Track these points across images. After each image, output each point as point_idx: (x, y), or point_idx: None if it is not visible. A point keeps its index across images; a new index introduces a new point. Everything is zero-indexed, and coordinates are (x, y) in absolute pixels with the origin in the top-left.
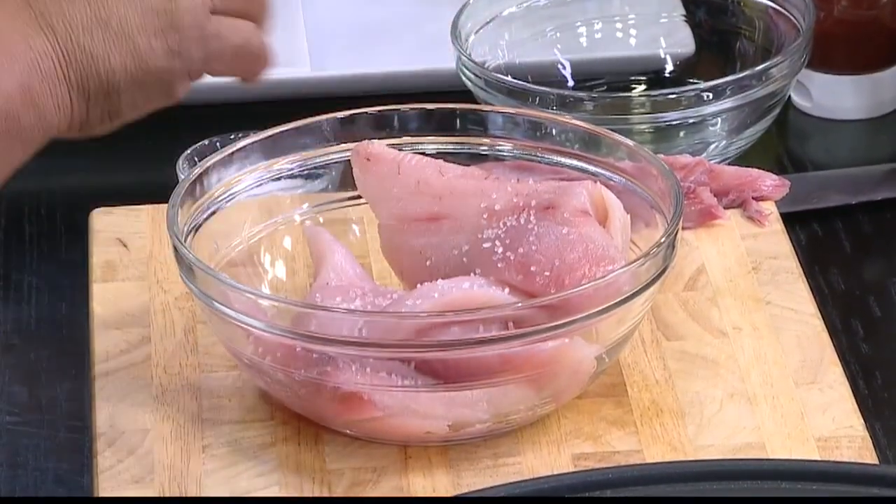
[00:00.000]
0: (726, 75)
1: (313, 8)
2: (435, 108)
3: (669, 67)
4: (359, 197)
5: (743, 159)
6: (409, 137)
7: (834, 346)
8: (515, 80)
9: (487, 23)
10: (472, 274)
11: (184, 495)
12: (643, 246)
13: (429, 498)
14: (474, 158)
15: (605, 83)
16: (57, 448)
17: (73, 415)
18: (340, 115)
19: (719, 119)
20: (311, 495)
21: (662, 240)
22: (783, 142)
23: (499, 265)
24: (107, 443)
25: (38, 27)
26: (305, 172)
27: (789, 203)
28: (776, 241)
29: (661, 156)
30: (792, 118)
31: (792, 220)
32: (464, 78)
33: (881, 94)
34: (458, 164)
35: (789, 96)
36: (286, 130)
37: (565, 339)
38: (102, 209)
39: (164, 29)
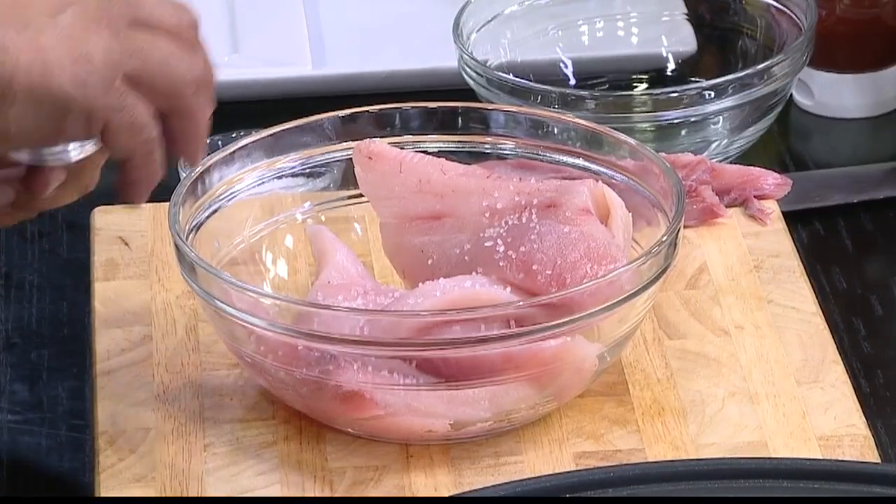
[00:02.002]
0: (728, 74)
1: (315, 6)
2: (437, 106)
3: (671, 66)
4: (360, 195)
5: (745, 158)
6: (410, 136)
7: (836, 344)
8: (517, 79)
9: (489, 21)
10: (473, 273)
11: (185, 494)
12: (645, 244)
13: (430, 498)
14: (476, 157)
15: (606, 81)
16: (58, 446)
17: (75, 413)
18: (342, 113)
19: (721, 117)
20: (312, 494)
21: (664, 238)
22: (785, 140)
23: (500, 264)
24: (108, 441)
25: None
26: (307, 171)
27: (791, 201)
28: (778, 240)
29: (663, 154)
30: (794, 117)
31: (794, 219)
32: (465, 76)
33: (883, 92)
34: (460, 162)
35: (791, 95)
36: (288, 129)
37: (567, 337)
38: (104, 207)
39: (81, 54)
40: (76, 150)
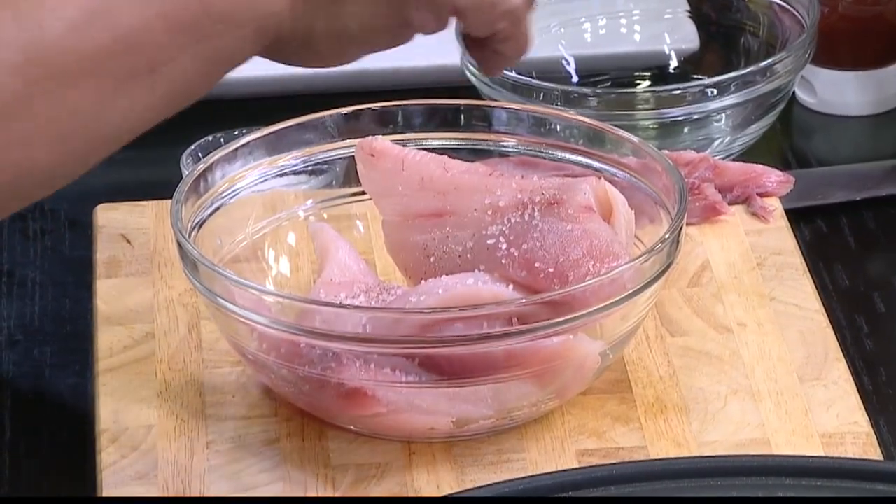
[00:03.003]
0: (730, 71)
1: None
2: (439, 103)
3: (674, 63)
4: (363, 193)
5: (747, 155)
6: (413, 133)
7: (838, 342)
8: (520, 76)
9: None
10: (475, 270)
11: (187, 491)
12: (647, 242)
13: (432, 498)
14: (478, 154)
15: (609, 79)
16: (60, 444)
17: (77, 411)
18: (344, 110)
19: (723, 115)
20: (314, 491)
21: (666, 236)
22: (787, 138)
23: (503, 261)
24: (110, 439)
25: None
26: (309, 168)
27: (794, 199)
28: (780, 237)
29: (666, 152)
30: (796, 114)
31: (796, 216)
32: (468, 74)
33: (885, 89)
34: (463, 160)
35: (794, 92)
36: (290, 126)
37: (569, 335)
38: (106, 205)
39: None
40: None
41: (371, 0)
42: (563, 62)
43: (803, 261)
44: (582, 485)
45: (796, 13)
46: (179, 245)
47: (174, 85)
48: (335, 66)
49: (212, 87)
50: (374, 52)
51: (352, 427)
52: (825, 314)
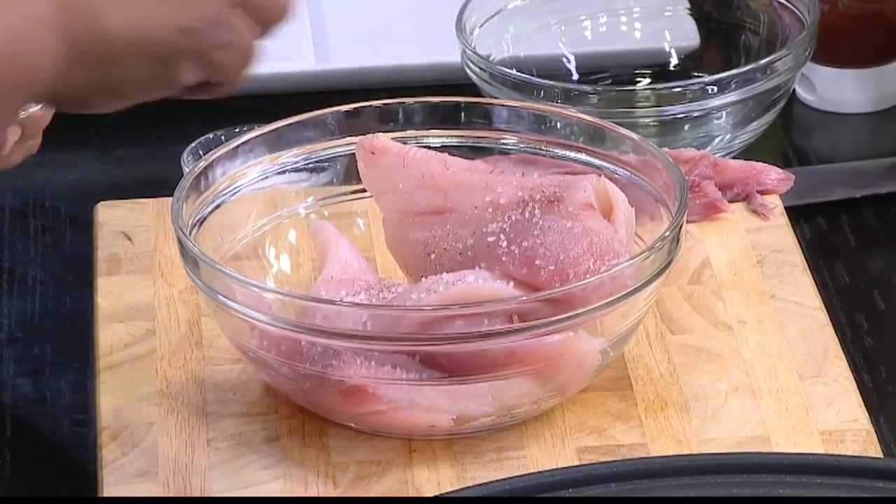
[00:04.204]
0: (731, 69)
1: (318, 1)
2: (440, 101)
3: (674, 61)
4: (363, 190)
5: (747, 153)
6: (413, 131)
7: (838, 339)
8: (520, 74)
9: (492, 16)
10: (476, 268)
11: (188, 489)
12: (648, 239)
13: (429, 497)
14: (479, 152)
15: (609, 76)
16: (61, 441)
17: (78, 408)
18: (345, 108)
19: (724, 112)
20: (315, 489)
21: (667, 233)
22: (788, 135)
23: (503, 259)
24: (111, 436)
25: None
26: (310, 166)
27: (794, 196)
28: (781, 235)
29: (666, 149)
30: (796, 112)
31: (796, 214)
32: (468, 71)
33: (885, 87)
34: (463, 157)
35: (794, 90)
36: (291, 124)
37: (570, 332)
38: (107, 202)
39: (180, 1)
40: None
41: (145, 64)
42: (564, 59)
43: (803, 258)
44: (582, 482)
45: (796, 11)
46: (180, 242)
47: None
48: (107, 112)
49: None
50: (145, 101)
51: (352, 424)
52: (825, 311)
